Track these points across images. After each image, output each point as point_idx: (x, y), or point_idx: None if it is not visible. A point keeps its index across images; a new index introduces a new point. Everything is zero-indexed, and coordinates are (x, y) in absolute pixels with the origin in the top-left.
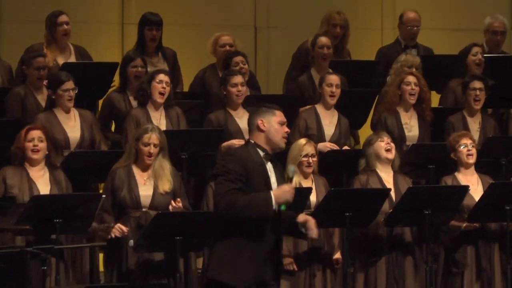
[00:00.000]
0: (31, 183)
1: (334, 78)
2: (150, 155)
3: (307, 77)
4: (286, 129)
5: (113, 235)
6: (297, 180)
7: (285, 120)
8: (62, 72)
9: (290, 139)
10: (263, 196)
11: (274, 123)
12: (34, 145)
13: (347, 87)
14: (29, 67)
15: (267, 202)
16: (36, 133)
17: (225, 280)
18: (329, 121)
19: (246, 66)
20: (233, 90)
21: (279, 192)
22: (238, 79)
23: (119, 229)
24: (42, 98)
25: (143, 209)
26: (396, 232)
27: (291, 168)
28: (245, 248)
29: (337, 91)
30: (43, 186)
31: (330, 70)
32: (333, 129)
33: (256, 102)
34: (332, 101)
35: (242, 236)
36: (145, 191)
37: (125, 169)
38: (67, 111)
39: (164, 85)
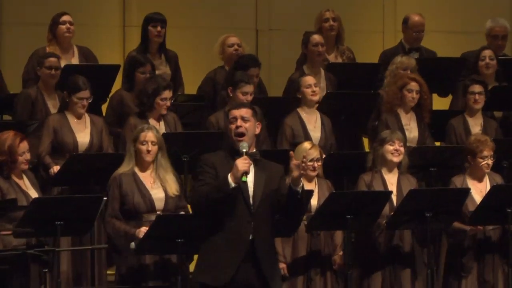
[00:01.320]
0: (25, 193)
1: (309, 79)
2: (148, 152)
3: (300, 74)
4: (234, 125)
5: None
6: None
7: (234, 115)
8: (80, 78)
9: (278, 148)
10: (222, 178)
11: (228, 123)
12: (26, 159)
13: (336, 86)
14: (41, 67)
15: (224, 180)
16: (25, 146)
17: (203, 280)
18: (314, 125)
19: (257, 80)
20: (243, 98)
21: (233, 169)
22: (249, 88)
23: (145, 231)
24: (52, 104)
25: (157, 212)
26: (396, 243)
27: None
28: (221, 248)
29: (317, 89)
30: (33, 193)
31: (322, 72)
32: (319, 132)
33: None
34: (315, 98)
35: (217, 237)
36: (157, 194)
37: (129, 174)
38: (79, 117)
39: (168, 102)
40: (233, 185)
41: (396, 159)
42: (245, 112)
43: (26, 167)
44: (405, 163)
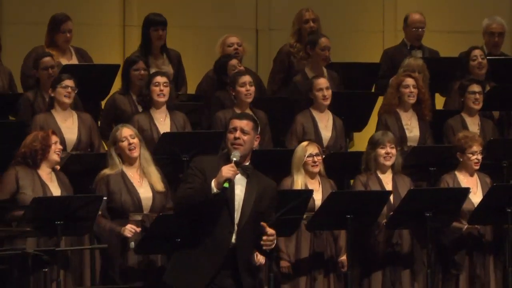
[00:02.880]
0: (44, 185)
1: (322, 82)
2: (131, 146)
3: (302, 76)
4: (233, 135)
5: (128, 235)
6: (301, 181)
7: (234, 125)
8: (64, 74)
9: (287, 145)
10: (206, 183)
11: (227, 133)
12: (59, 148)
13: (342, 85)
14: (38, 69)
15: (207, 185)
16: (56, 138)
17: (175, 283)
18: (325, 124)
19: (242, 68)
20: (242, 89)
21: (218, 174)
22: (246, 78)
23: (131, 229)
24: None
25: (144, 212)
26: (395, 241)
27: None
28: (199, 255)
29: (328, 93)
30: (55, 188)
31: (325, 71)
32: (329, 132)
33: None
34: (326, 103)
35: (197, 243)
36: (145, 193)
37: (117, 175)
38: (65, 108)
39: (161, 87)
40: (215, 190)
41: (388, 163)
42: (245, 124)
43: (58, 158)
44: (398, 163)
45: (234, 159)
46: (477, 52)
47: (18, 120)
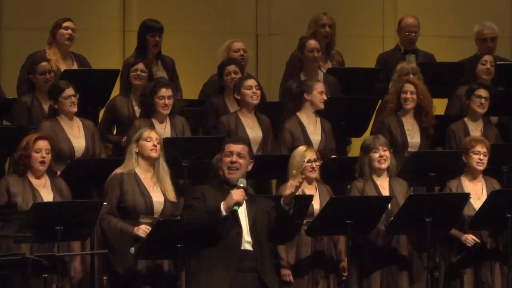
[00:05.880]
0: (34, 191)
1: (322, 86)
2: (154, 148)
3: (297, 82)
4: (229, 159)
5: (143, 235)
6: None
7: (230, 150)
8: (60, 80)
9: (277, 153)
10: (215, 205)
11: (223, 157)
12: (42, 157)
13: (338, 89)
14: (35, 74)
15: (217, 208)
16: (44, 144)
17: None
18: (314, 129)
19: (239, 75)
20: (249, 92)
21: (228, 197)
22: (252, 82)
23: (145, 229)
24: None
25: (155, 216)
26: (393, 245)
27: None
28: (215, 261)
29: (324, 98)
30: (46, 194)
31: (321, 75)
32: (319, 136)
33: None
34: (322, 106)
35: (210, 250)
36: (157, 197)
37: (130, 175)
38: (71, 118)
39: (166, 100)
40: (224, 213)
41: (383, 165)
42: (241, 148)
43: (42, 168)
44: (392, 166)
45: (241, 185)
46: (488, 58)
47: (15, 126)
